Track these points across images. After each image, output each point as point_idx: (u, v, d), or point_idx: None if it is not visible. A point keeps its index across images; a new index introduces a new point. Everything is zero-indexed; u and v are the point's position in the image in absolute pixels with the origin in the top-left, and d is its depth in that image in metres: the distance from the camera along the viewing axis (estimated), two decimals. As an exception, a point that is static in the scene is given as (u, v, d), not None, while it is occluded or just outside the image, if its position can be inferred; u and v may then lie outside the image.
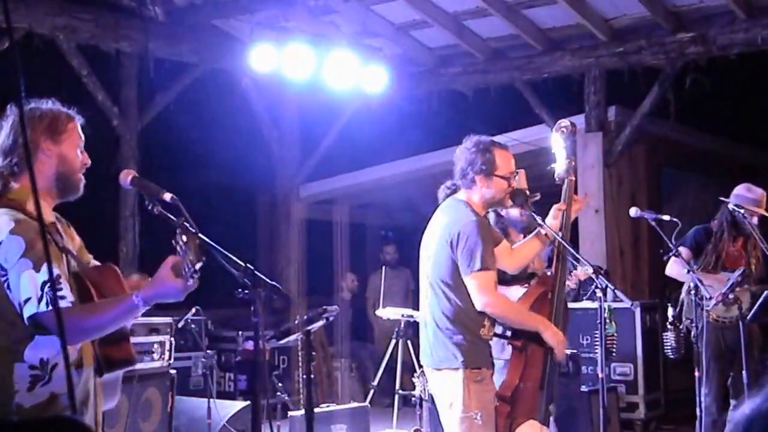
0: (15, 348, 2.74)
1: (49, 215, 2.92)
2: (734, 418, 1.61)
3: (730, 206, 5.86)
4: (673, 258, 5.87)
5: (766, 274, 6.14)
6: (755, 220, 5.89)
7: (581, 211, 4.75)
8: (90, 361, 2.89)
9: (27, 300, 2.69)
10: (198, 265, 2.75)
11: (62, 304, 2.71)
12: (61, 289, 2.73)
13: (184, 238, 2.78)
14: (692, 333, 5.85)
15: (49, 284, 2.65)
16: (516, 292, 4.74)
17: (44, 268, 2.65)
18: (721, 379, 5.99)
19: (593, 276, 4.32)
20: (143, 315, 5.80)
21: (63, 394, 2.75)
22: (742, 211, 5.77)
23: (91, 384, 2.91)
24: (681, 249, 6.00)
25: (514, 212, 5.22)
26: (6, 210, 2.79)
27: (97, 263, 3.10)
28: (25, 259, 2.71)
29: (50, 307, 2.65)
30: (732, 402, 6.03)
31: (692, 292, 5.64)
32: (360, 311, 10.14)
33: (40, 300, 2.68)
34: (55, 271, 2.64)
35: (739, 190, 6.01)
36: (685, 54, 8.07)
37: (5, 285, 2.72)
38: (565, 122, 4.57)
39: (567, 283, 5.34)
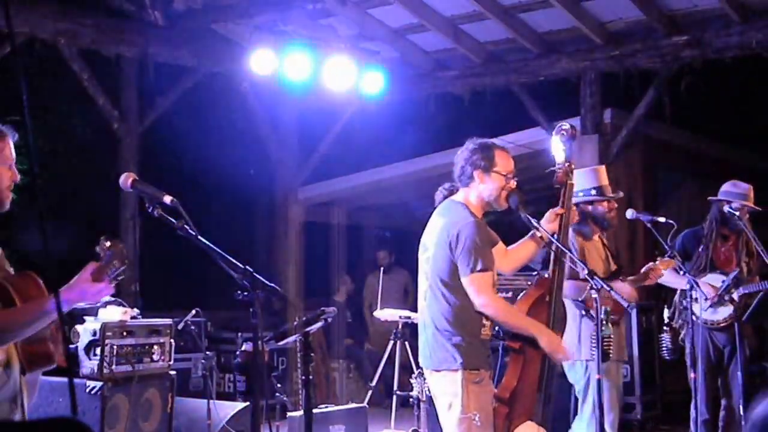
0: None
1: None
2: (752, 419, 1.62)
3: (726, 208, 5.88)
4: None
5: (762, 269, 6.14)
6: (746, 216, 5.92)
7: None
8: (16, 361, 2.97)
9: None
10: (122, 269, 2.85)
11: None
12: None
13: (108, 243, 2.85)
14: (680, 336, 5.90)
15: None
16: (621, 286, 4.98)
17: None
18: (711, 381, 6.01)
19: (589, 277, 4.35)
20: (143, 317, 5.87)
21: None
22: (734, 211, 5.81)
23: (19, 383, 2.98)
24: None
25: (600, 208, 5.29)
26: None
27: (11, 271, 3.15)
28: None
29: None
30: (723, 402, 6.03)
31: (685, 294, 5.67)
32: (357, 312, 10.19)
33: None
34: None
35: (726, 186, 6.03)
36: (680, 57, 8.11)
37: None
38: (565, 125, 4.52)
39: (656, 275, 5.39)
